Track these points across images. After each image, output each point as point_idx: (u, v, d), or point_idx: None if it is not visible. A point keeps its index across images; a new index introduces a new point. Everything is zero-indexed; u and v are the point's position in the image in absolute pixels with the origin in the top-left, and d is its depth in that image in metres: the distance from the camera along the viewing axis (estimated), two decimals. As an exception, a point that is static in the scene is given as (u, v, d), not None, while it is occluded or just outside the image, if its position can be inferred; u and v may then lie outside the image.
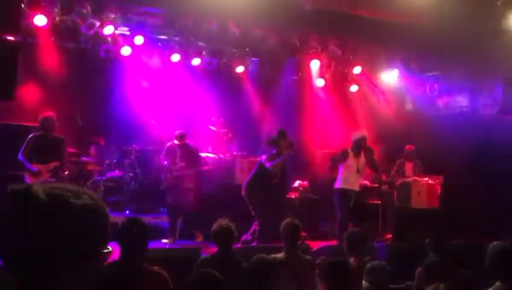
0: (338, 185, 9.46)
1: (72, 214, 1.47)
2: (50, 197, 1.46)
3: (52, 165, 8.73)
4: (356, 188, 9.48)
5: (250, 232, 9.13)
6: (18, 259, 1.44)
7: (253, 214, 9.14)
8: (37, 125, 8.91)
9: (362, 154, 9.44)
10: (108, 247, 1.64)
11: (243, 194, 9.25)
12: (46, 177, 8.64)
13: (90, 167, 10.35)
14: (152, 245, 6.39)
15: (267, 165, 9.10)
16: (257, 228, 9.10)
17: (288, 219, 6.02)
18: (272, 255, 5.67)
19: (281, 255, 5.74)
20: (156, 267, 4.57)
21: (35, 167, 8.63)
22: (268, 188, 9.20)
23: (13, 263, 1.44)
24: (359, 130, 9.96)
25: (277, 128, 9.71)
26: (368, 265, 5.09)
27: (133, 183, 10.53)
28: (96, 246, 1.53)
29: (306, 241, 8.15)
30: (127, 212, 9.96)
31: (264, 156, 9.28)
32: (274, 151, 9.20)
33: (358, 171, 9.40)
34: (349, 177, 9.38)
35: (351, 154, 9.40)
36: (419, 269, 5.44)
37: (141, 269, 4.42)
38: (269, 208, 9.08)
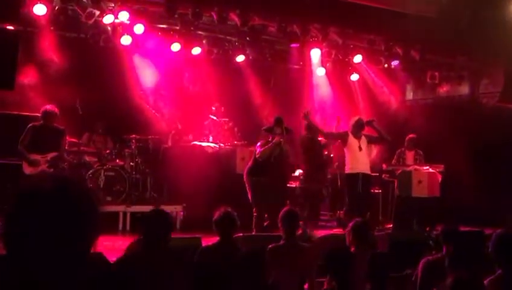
0: (346, 170, 9.60)
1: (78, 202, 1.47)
2: (57, 189, 1.46)
3: (50, 155, 8.72)
4: (364, 169, 9.51)
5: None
6: (28, 253, 1.43)
7: (250, 201, 9.16)
8: (38, 115, 8.91)
9: (363, 136, 9.60)
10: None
11: (244, 180, 9.32)
12: (44, 167, 8.63)
13: (90, 157, 10.36)
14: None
15: (257, 151, 9.13)
16: (254, 215, 9.13)
17: (287, 207, 6.03)
18: (272, 244, 5.68)
19: (280, 243, 5.75)
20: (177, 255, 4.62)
21: (33, 157, 8.63)
22: (267, 175, 9.22)
23: (23, 259, 1.44)
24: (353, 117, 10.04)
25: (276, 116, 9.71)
26: (367, 254, 5.10)
27: (133, 172, 10.53)
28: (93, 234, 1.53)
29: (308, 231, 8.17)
30: (127, 202, 9.99)
31: (259, 143, 9.32)
32: (270, 138, 9.24)
33: (360, 148, 9.49)
34: (354, 158, 9.48)
35: (350, 135, 9.51)
36: (424, 260, 5.42)
37: (164, 259, 4.44)
38: (267, 196, 9.09)
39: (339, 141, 9.93)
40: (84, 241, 1.49)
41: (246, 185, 9.22)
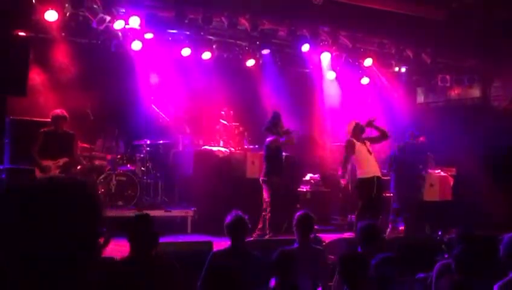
0: (357, 175, 9.52)
1: (70, 204, 1.45)
2: (48, 191, 1.45)
3: (62, 161, 8.77)
4: (377, 172, 9.46)
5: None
6: (24, 258, 1.42)
7: (267, 200, 9.18)
8: (49, 121, 8.97)
9: (366, 140, 9.60)
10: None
11: (261, 180, 9.36)
12: (56, 173, 8.67)
13: (101, 162, 10.39)
14: (164, 239, 6.41)
15: (281, 140, 9.24)
16: (268, 215, 9.14)
17: (303, 211, 6.02)
18: (287, 248, 5.68)
19: (294, 247, 5.75)
20: (167, 259, 4.58)
21: (44, 163, 8.67)
22: (282, 176, 9.43)
23: (19, 263, 1.42)
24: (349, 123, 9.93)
25: (275, 114, 9.75)
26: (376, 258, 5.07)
27: (144, 177, 10.57)
28: (91, 236, 1.50)
29: (318, 235, 8.15)
30: (139, 207, 10.01)
31: (269, 139, 9.36)
32: (273, 137, 9.31)
33: (370, 152, 9.44)
34: (366, 162, 9.41)
35: (355, 142, 9.46)
36: (439, 263, 5.39)
37: (152, 263, 4.42)
38: (282, 197, 9.21)
39: (349, 152, 9.75)
40: (79, 241, 1.47)
41: (265, 185, 9.25)
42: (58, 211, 1.43)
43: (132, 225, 4.57)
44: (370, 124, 9.69)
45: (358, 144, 9.47)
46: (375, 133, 9.87)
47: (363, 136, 9.66)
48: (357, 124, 9.61)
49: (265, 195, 9.28)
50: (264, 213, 9.27)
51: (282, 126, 9.47)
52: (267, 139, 9.50)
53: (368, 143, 9.59)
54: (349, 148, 9.52)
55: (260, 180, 9.46)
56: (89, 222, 1.48)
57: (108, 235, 1.54)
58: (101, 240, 1.52)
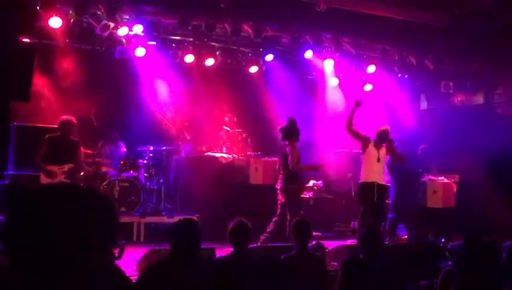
0: (360, 179, 9.43)
1: (77, 209, 1.47)
2: (56, 194, 1.47)
3: (67, 167, 8.79)
4: (380, 180, 9.34)
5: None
6: (27, 256, 1.43)
7: (289, 209, 9.07)
8: (54, 126, 8.98)
9: (384, 147, 9.42)
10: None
11: (278, 187, 9.19)
12: (61, 178, 8.69)
13: (104, 168, 10.41)
14: (167, 246, 6.40)
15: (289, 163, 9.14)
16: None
17: (299, 218, 6.03)
18: (284, 255, 5.68)
19: (292, 253, 5.75)
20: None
21: (50, 169, 8.70)
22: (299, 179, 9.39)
23: (23, 261, 1.43)
24: (383, 125, 9.79)
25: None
26: (377, 265, 5.06)
27: (147, 183, 10.58)
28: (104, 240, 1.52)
29: (321, 241, 8.13)
30: (140, 211, 10.03)
31: (288, 149, 9.22)
32: (288, 142, 9.20)
33: (379, 160, 9.32)
34: (371, 167, 9.30)
35: (372, 143, 9.35)
36: (444, 270, 5.38)
37: (192, 269, 4.44)
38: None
39: (360, 144, 9.63)
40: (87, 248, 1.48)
41: (287, 194, 9.12)
42: (59, 213, 1.45)
43: (176, 229, 4.60)
44: (390, 142, 9.52)
45: (371, 147, 9.36)
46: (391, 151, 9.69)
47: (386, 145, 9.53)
48: (382, 131, 9.45)
49: (284, 202, 9.10)
50: (276, 219, 9.07)
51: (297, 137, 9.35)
52: (288, 148, 9.28)
53: (383, 151, 9.44)
54: (363, 142, 9.41)
55: (278, 188, 9.26)
56: (89, 224, 1.50)
57: (123, 246, 1.55)
58: (116, 251, 1.54)
